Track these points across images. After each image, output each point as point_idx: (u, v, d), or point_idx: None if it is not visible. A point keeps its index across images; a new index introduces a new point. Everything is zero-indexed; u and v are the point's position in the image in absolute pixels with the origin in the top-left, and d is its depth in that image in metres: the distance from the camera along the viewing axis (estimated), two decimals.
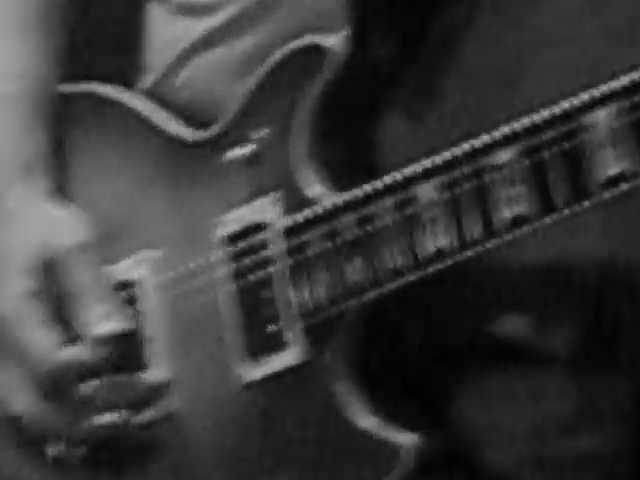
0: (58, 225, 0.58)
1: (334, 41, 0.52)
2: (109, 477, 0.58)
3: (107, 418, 0.55)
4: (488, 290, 0.51)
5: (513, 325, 0.52)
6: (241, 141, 0.55)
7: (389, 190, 0.48)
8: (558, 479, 0.52)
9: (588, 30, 0.50)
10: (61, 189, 0.61)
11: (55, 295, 0.56)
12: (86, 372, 0.55)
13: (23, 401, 0.56)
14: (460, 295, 0.51)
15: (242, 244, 0.54)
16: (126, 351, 0.56)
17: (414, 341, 0.53)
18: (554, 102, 0.46)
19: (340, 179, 0.52)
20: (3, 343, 0.56)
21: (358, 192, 0.50)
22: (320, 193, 0.52)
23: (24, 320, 0.55)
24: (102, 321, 0.55)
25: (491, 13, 0.51)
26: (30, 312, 0.56)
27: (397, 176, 0.48)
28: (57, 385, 0.55)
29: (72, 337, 0.56)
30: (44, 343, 0.55)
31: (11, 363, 0.56)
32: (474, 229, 0.46)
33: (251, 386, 0.55)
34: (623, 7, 0.49)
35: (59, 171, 0.62)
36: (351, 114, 0.53)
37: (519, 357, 0.52)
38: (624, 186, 0.44)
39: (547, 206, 0.45)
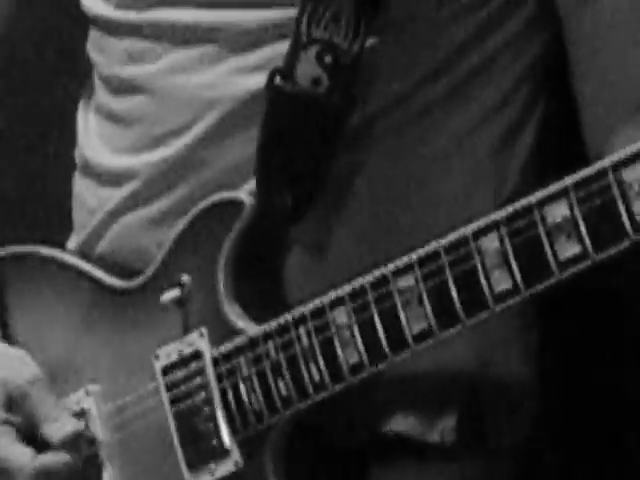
0: (14, 363, 0.66)
1: (244, 195, 0.63)
2: None
3: None
4: (381, 394, 0.62)
5: (402, 422, 0.62)
6: (169, 286, 0.63)
7: (303, 319, 0.58)
8: None
9: (456, 169, 0.62)
10: (9, 336, 0.69)
11: (22, 418, 0.65)
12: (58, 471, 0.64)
13: None
14: (362, 401, 0.61)
15: (178, 373, 0.63)
16: (86, 457, 0.65)
17: (330, 442, 0.63)
18: (444, 232, 0.55)
19: (261, 311, 0.61)
20: None
21: (277, 321, 0.59)
22: (245, 325, 0.61)
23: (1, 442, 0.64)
24: (63, 428, 0.64)
25: (380, 157, 0.62)
26: (3, 435, 0.64)
27: (315, 303, 0.58)
28: None
29: (42, 448, 0.64)
30: (20, 456, 0.64)
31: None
32: (385, 344, 0.56)
33: None
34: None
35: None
36: (262, 255, 0.63)
37: (409, 450, 0.63)
38: (512, 301, 0.53)
39: (449, 321, 0.54)
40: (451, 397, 0.64)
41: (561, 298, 0.59)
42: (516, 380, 0.66)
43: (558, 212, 0.51)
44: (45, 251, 0.70)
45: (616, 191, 0.49)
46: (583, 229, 0.50)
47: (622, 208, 0.49)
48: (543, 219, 0.51)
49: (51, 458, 0.63)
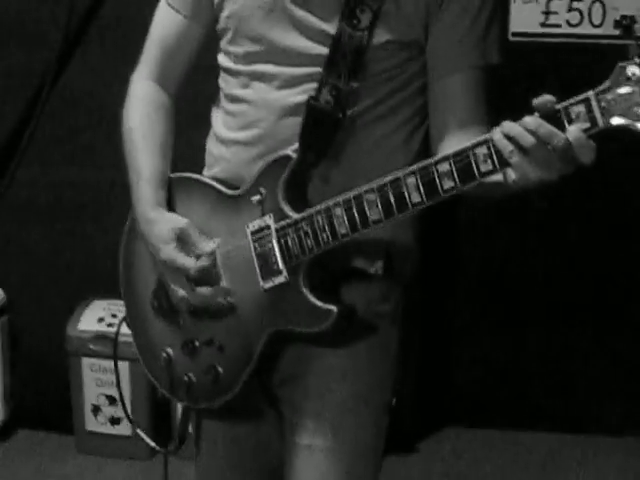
0: (179, 218, 1.37)
1: (292, 152, 1.29)
2: (200, 322, 1.38)
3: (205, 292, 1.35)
4: (353, 247, 1.30)
5: (360, 262, 1.34)
6: (255, 193, 1.31)
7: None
8: None
9: (388, 147, 1.32)
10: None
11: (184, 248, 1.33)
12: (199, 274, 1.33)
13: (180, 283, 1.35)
14: (343, 250, 1.32)
15: (258, 234, 1.30)
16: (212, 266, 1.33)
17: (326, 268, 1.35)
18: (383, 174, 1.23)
19: (300, 206, 1.27)
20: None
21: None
22: (292, 213, 1.27)
23: (177, 259, 1.33)
24: (208, 246, 1.33)
25: (354, 138, 1.32)
26: (176, 249, 1.33)
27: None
28: (192, 276, 1.34)
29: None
30: (188, 261, 1.32)
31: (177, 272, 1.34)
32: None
33: (265, 290, 1.31)
34: None
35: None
36: (300, 182, 1.32)
37: (361, 277, 1.35)
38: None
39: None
40: (379, 252, 1.32)
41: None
42: (407, 246, 1.36)
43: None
44: (194, 176, 1.42)
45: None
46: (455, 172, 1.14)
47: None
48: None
49: (203, 263, 1.33)
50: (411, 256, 1.38)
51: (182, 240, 1.34)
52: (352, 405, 1.36)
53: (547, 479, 2.72)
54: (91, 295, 2.72)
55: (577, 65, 2.55)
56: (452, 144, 1.23)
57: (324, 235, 1.25)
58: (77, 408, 2.69)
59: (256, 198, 1.31)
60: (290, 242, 1.28)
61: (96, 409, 2.67)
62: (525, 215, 2.58)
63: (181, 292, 1.36)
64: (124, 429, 2.60)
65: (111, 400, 2.61)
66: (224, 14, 1.36)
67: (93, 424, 2.68)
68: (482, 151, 1.12)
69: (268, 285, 1.31)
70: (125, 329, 1.53)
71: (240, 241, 1.34)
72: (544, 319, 2.86)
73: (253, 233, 1.32)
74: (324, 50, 1.28)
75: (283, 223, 1.29)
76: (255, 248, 1.32)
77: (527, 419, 2.88)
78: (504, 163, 1.12)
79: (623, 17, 2.55)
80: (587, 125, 1.07)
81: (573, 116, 1.07)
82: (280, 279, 1.30)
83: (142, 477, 2.60)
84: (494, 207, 1.84)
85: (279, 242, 1.29)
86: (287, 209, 1.29)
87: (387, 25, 1.26)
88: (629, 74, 1.04)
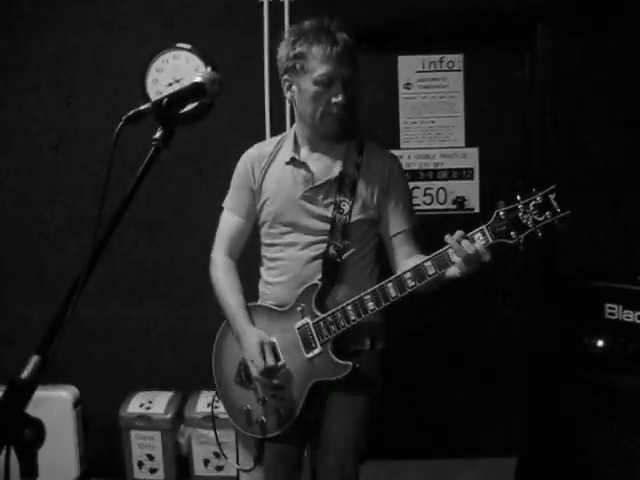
0: (261, 334, 2.38)
1: (317, 281, 2.38)
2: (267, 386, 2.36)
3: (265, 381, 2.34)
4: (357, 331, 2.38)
5: (360, 343, 2.44)
6: (298, 306, 2.37)
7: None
8: None
9: (367, 270, 2.48)
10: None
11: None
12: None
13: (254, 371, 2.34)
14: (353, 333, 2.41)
15: (301, 330, 2.39)
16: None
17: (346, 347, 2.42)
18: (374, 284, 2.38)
19: (324, 308, 2.38)
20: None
21: (327, 313, 2.37)
22: (320, 314, 2.37)
23: (256, 359, 2.33)
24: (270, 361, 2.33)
25: (355, 258, 2.47)
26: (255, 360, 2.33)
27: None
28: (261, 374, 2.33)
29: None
30: (259, 362, 2.32)
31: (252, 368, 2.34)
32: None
33: (308, 359, 2.32)
34: None
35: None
36: (322, 296, 2.41)
37: (361, 353, 2.45)
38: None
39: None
40: (367, 335, 2.41)
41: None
42: (380, 327, 2.45)
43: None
44: (261, 304, 2.46)
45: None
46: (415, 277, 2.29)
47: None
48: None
49: (268, 365, 2.30)
50: (383, 333, 2.47)
51: (261, 347, 2.33)
52: (353, 408, 2.38)
53: None
54: (134, 389, 3.88)
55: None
56: (399, 268, 2.35)
57: (342, 322, 2.30)
58: (127, 463, 3.78)
59: (299, 309, 2.37)
60: (321, 329, 2.33)
61: (140, 464, 3.79)
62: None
63: (256, 372, 2.33)
64: (159, 475, 3.75)
65: (149, 457, 3.74)
66: (264, 212, 2.47)
67: (138, 473, 3.80)
68: (428, 264, 2.18)
69: (309, 355, 2.33)
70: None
71: (290, 334, 2.34)
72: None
73: (298, 328, 2.37)
74: (327, 226, 2.39)
75: (316, 319, 2.34)
76: (300, 336, 2.35)
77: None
78: (443, 266, 2.15)
79: (458, 197, 3.89)
80: (483, 242, 2.04)
81: (475, 238, 2.03)
82: (317, 350, 2.33)
83: None
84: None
85: (315, 329, 2.34)
86: (317, 312, 2.33)
87: (357, 211, 2.39)
88: (501, 216, 2.01)
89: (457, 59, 3.80)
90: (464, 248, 1.99)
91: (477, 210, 3.83)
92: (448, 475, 3.84)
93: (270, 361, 2.25)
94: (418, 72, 3.82)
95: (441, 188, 3.82)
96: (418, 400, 3.94)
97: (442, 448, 3.96)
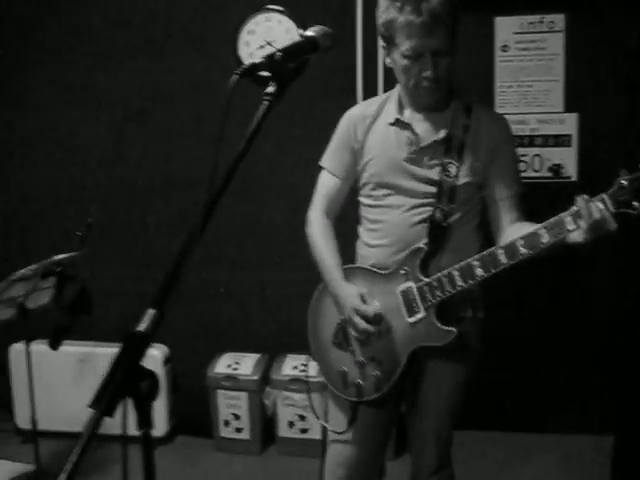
0: (356, 287, 2.34)
1: (423, 244, 2.34)
2: (365, 348, 2.34)
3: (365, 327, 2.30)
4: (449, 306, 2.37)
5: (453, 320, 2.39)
6: (401, 269, 2.32)
7: None
8: None
9: (472, 235, 2.42)
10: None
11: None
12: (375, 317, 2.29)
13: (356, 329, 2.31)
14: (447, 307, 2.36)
15: (406, 292, 2.36)
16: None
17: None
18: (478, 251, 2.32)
19: (427, 273, 2.33)
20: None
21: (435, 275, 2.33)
22: (424, 278, 2.31)
23: (361, 306, 2.29)
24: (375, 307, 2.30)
25: (457, 225, 2.41)
26: (358, 308, 2.30)
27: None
28: (371, 319, 2.29)
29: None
30: (367, 309, 2.29)
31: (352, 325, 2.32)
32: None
33: (410, 323, 2.27)
34: None
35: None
36: (426, 260, 2.37)
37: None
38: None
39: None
40: (468, 304, 2.34)
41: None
42: (479, 298, 2.38)
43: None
44: (361, 265, 2.41)
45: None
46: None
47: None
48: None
49: (376, 310, 2.28)
50: (480, 304, 2.41)
51: (361, 298, 2.32)
52: (453, 375, 2.35)
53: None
54: (222, 350, 4.02)
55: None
56: (506, 234, 2.28)
57: (447, 287, 2.22)
58: (215, 422, 3.91)
59: (402, 272, 2.32)
60: (425, 293, 2.27)
61: (226, 422, 3.91)
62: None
63: (360, 324, 2.29)
64: (244, 435, 3.87)
65: (235, 416, 3.87)
66: (366, 174, 2.42)
67: (225, 432, 3.92)
68: (542, 232, 2.07)
69: (412, 320, 2.28)
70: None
71: (391, 297, 2.30)
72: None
73: (402, 292, 2.32)
74: (432, 189, 2.32)
75: (420, 283, 2.29)
76: (404, 299, 2.31)
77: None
78: (558, 234, 2.02)
79: (554, 165, 3.76)
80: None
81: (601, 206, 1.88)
82: (420, 315, 2.27)
83: (256, 467, 3.78)
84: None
85: (419, 293, 2.28)
86: (422, 276, 2.27)
87: (464, 174, 2.33)
88: (624, 184, 1.88)
89: (558, 19, 3.65)
90: (593, 213, 1.89)
91: (574, 178, 3.70)
92: (531, 450, 3.77)
93: (372, 309, 2.22)
94: (515, 34, 3.68)
95: (536, 155, 3.71)
96: (511, 373, 3.88)
97: (529, 422, 3.88)
